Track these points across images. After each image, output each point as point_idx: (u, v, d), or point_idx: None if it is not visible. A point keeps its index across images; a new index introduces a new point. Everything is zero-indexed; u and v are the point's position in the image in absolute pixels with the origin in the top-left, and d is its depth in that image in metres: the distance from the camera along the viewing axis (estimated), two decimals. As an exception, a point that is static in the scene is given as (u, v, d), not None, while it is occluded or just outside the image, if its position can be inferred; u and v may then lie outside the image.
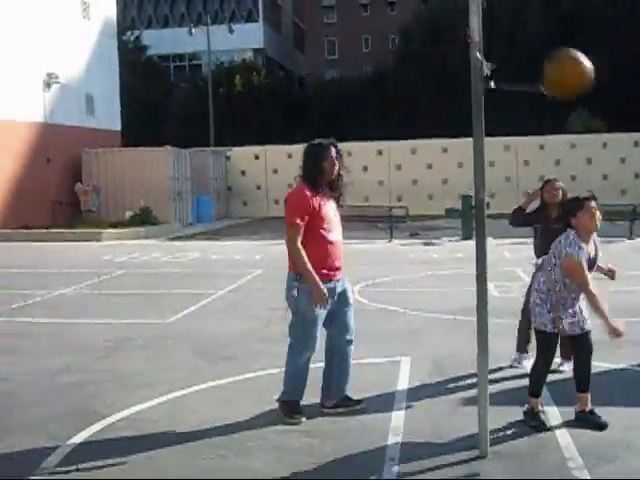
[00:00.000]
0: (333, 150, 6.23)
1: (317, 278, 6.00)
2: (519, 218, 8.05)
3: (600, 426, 5.83)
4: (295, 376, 6.39)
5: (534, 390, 6.13)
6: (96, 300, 12.90)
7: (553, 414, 6.32)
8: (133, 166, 29.33)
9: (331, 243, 6.18)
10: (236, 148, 35.61)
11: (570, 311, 5.93)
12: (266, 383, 7.44)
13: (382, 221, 23.65)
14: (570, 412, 6.21)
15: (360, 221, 24.96)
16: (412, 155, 34.39)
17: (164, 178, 29.18)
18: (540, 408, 6.12)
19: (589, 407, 6.02)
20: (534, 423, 5.96)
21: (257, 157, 34.95)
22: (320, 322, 6.26)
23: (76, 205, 28.58)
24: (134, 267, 17.38)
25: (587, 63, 5.01)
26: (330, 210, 6.23)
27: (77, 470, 5.30)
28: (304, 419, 6.25)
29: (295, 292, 6.14)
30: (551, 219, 7.75)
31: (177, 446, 5.78)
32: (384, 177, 34.24)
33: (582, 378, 6.08)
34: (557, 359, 7.76)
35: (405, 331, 9.85)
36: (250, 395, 7.10)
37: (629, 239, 21.02)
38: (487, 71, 5.20)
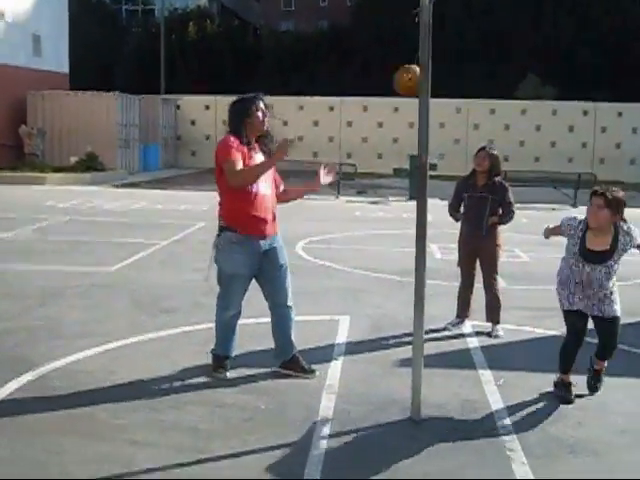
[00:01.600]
0: (260, 104, 6.11)
1: (262, 164, 5.96)
2: (454, 205, 8.11)
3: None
4: (220, 332, 6.36)
5: (560, 367, 6.02)
6: (35, 246, 12.68)
7: (486, 377, 6.41)
8: (80, 110, 28.74)
9: (254, 195, 5.99)
10: (187, 97, 35.16)
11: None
12: (205, 337, 7.38)
13: (330, 178, 23.57)
14: (503, 375, 6.31)
15: (307, 177, 24.92)
16: (363, 113, 34.32)
17: (112, 124, 28.68)
18: (572, 382, 6.00)
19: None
20: (560, 393, 5.92)
21: (207, 107, 34.56)
22: (242, 280, 6.14)
23: (20, 148, 27.96)
24: (77, 213, 17.12)
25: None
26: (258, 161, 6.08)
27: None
28: (227, 374, 6.24)
29: (214, 247, 6.13)
30: (477, 187, 7.82)
31: (111, 398, 5.73)
32: (334, 133, 34.15)
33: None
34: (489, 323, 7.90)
35: (346, 290, 9.87)
36: (188, 348, 7.07)
37: (573, 207, 21.30)
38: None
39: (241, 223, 6.01)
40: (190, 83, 41.45)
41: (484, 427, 5.38)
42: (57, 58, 32.63)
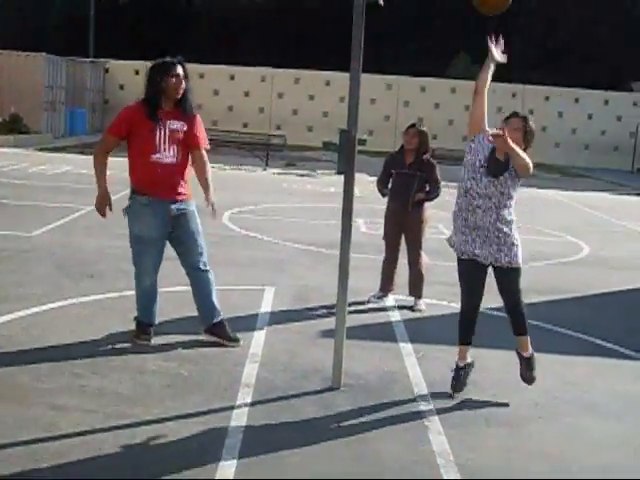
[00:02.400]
0: (179, 68, 6.04)
1: (102, 184, 6.24)
2: (382, 181, 8.20)
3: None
4: (140, 298, 6.38)
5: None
6: (-44, 207, 12.40)
7: (407, 350, 6.55)
8: (4, 71, 28.04)
9: (154, 164, 6.02)
10: (116, 61, 34.56)
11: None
12: (129, 303, 7.32)
13: (259, 149, 23.54)
14: (423, 348, 6.46)
15: (237, 148, 24.81)
16: (295, 85, 34.26)
17: (37, 86, 28.07)
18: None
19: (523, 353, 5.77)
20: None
21: (137, 72, 34.00)
22: (152, 243, 6.16)
23: (-60, 106, 27.19)
24: (-1, 176, 16.76)
25: None
26: (163, 131, 6.01)
27: None
28: (150, 342, 6.26)
29: (125, 211, 6.22)
30: (405, 164, 7.95)
31: (33, 362, 5.69)
32: (265, 104, 34.01)
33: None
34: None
35: (271, 260, 9.93)
36: (112, 315, 7.04)
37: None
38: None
39: (147, 188, 6.06)
40: (119, 47, 40.67)
41: (403, 398, 5.51)
42: (-18, 15, 31.73)
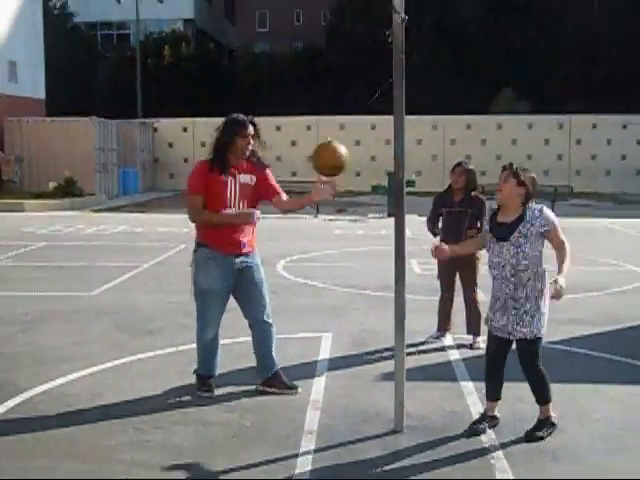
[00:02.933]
0: (250, 128, 6.14)
1: (233, 214, 6.12)
2: (432, 221, 8.23)
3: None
4: (201, 351, 6.42)
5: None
6: (16, 273, 12.68)
7: (468, 389, 6.49)
8: (57, 136, 28.72)
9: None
10: (164, 120, 35.20)
11: None
12: (188, 357, 7.43)
13: (309, 197, 23.67)
14: (484, 386, 6.40)
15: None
16: (341, 131, 34.43)
17: (89, 149, 28.66)
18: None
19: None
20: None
21: (185, 129, 34.62)
22: (217, 296, 6.21)
23: (-3, 175, 27.95)
24: (57, 239, 17.11)
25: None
26: (233, 185, 6.11)
27: None
28: (213, 393, 6.29)
29: (191, 264, 6.28)
30: (454, 202, 7.96)
31: (97, 420, 5.77)
32: (312, 152, 34.24)
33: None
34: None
35: (328, 307, 9.95)
36: (172, 369, 7.12)
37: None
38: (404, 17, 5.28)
39: (216, 241, 6.14)
40: (166, 106, 41.48)
41: (467, 437, 5.46)
42: (33, 84, 32.63)
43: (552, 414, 5.57)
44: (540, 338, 5.48)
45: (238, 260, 6.19)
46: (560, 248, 5.36)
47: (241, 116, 6.22)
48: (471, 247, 6.42)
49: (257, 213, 6.15)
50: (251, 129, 6.15)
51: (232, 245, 6.16)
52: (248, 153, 6.18)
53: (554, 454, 5.15)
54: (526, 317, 5.39)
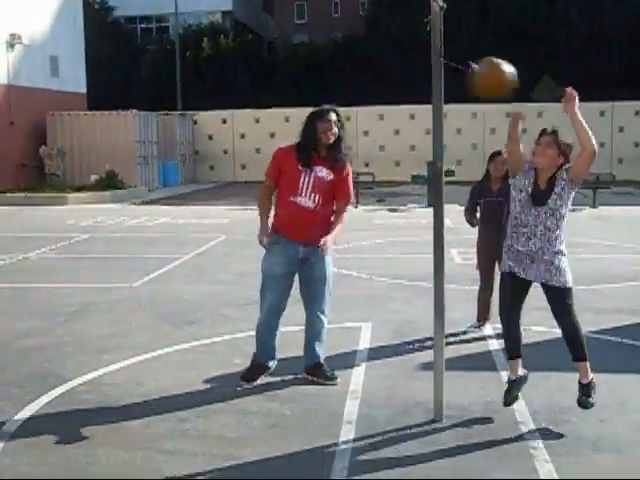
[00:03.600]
0: (332, 115, 6.17)
1: (264, 222, 6.28)
2: (469, 211, 8.16)
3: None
4: (259, 337, 6.47)
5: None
6: (60, 264, 12.86)
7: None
8: (98, 130, 29.05)
9: (293, 205, 6.16)
10: (203, 112, 35.36)
11: None
12: (231, 347, 7.53)
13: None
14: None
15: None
16: (380, 121, 34.39)
17: (130, 142, 28.93)
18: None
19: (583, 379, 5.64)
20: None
21: (224, 121, 34.77)
22: (277, 280, 6.26)
23: (41, 169, 28.28)
24: (99, 231, 17.31)
25: (508, 70, 5.50)
26: (308, 176, 6.13)
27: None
28: (257, 382, 6.33)
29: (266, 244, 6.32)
30: (493, 191, 7.88)
31: (139, 410, 5.85)
32: (352, 143, 34.04)
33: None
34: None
35: (368, 297, 9.96)
36: (214, 359, 7.18)
37: (592, 207, 21.27)
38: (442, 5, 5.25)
39: (282, 226, 6.25)
40: (206, 98, 41.68)
41: (507, 427, 5.44)
42: (74, 78, 32.98)
43: (592, 376, 5.60)
44: (571, 287, 5.57)
45: (302, 250, 6.22)
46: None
47: (324, 105, 6.31)
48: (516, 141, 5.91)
49: (264, 240, 6.24)
50: (333, 115, 6.17)
51: (298, 233, 6.18)
52: (332, 139, 6.16)
53: (595, 445, 5.11)
54: (562, 265, 5.50)
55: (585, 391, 5.58)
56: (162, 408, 5.86)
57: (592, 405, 5.55)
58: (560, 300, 5.55)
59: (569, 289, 5.55)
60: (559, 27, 41.62)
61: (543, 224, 5.46)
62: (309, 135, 6.16)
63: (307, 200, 6.19)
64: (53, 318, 8.93)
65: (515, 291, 5.69)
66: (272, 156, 6.38)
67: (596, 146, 5.27)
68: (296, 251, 6.23)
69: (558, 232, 5.50)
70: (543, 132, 5.58)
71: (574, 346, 5.59)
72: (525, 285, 5.67)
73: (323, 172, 6.19)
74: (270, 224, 6.35)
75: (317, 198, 6.19)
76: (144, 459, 4.94)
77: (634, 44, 40.04)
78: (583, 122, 5.26)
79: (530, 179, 5.55)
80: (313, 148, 6.17)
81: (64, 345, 7.71)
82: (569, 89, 5.32)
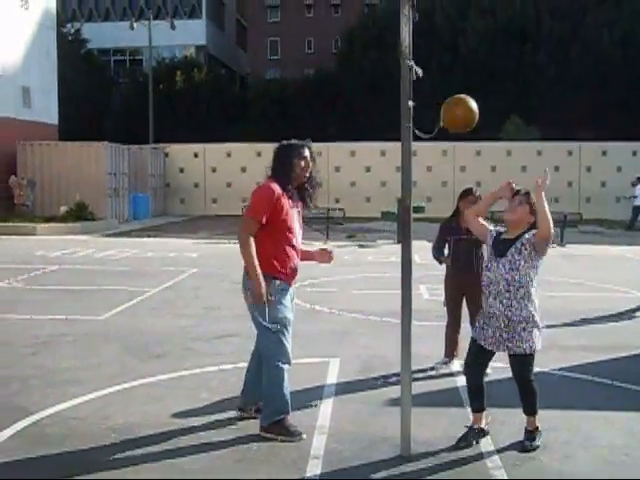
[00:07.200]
0: (307, 151, 6.03)
1: (259, 272, 5.68)
2: (438, 248, 8.23)
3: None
4: (285, 390, 5.97)
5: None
6: (27, 295, 12.76)
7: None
8: (70, 161, 28.98)
9: (293, 247, 5.97)
10: (175, 145, 35.43)
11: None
12: (198, 381, 7.50)
13: (318, 223, 23.76)
14: (491, 412, 6.39)
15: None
16: (351, 157, 34.63)
17: (101, 174, 28.88)
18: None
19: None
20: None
21: (196, 155, 34.83)
22: (288, 330, 5.98)
23: (10, 199, 28.10)
24: (68, 263, 17.20)
25: (473, 105, 5.59)
26: (295, 213, 5.99)
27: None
28: (304, 436, 5.93)
29: (269, 295, 5.81)
30: (462, 229, 7.89)
31: (105, 443, 5.80)
32: (323, 179, 34.26)
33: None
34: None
35: (336, 332, 9.97)
36: (181, 393, 7.15)
37: (560, 246, 21.49)
38: (418, 73, 5.35)
39: (286, 271, 5.92)
40: (178, 132, 41.76)
41: (472, 462, 5.47)
42: (46, 109, 32.93)
43: (538, 425, 5.83)
44: (534, 353, 5.72)
45: (293, 291, 6.13)
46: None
47: (294, 141, 6.09)
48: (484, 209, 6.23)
49: (267, 292, 5.74)
50: (307, 151, 6.02)
51: (294, 275, 6.03)
52: (307, 175, 6.04)
53: (560, 481, 5.16)
54: (524, 333, 5.63)
55: (530, 437, 5.80)
56: (128, 442, 5.82)
57: (534, 449, 5.68)
58: (521, 367, 5.79)
59: (532, 355, 5.74)
60: (528, 68, 42.27)
61: (504, 278, 5.61)
62: (288, 170, 5.91)
63: (299, 238, 6.10)
64: (19, 350, 8.85)
65: (478, 357, 5.91)
66: (268, 193, 5.79)
67: (552, 230, 5.54)
68: (293, 294, 6.13)
69: (523, 291, 5.63)
70: (517, 192, 5.79)
71: (527, 405, 5.85)
72: (489, 353, 5.87)
73: (300, 207, 6.11)
74: (265, 272, 5.76)
75: (301, 234, 6.12)
76: (109, 493, 4.90)
77: (600, 87, 40.72)
78: (546, 208, 5.52)
79: (494, 236, 5.83)
80: (292, 183, 5.96)
81: (29, 378, 7.63)
82: (540, 179, 5.50)
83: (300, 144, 6.05)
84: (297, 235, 6.04)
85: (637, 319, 11.10)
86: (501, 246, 5.72)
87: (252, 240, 5.75)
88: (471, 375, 5.94)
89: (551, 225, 5.47)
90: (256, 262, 5.70)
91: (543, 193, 5.49)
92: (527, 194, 5.73)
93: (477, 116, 5.60)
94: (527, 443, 5.74)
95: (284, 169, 5.93)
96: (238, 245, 5.83)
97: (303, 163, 5.97)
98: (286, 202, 5.87)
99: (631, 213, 28.29)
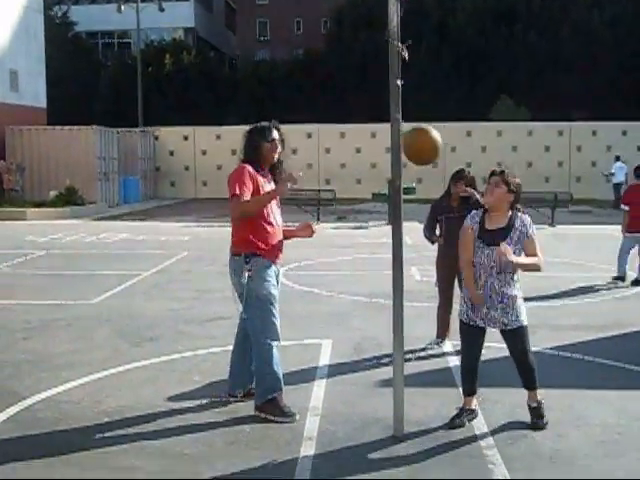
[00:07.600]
0: (275, 132, 6.08)
1: (268, 193, 5.92)
2: (429, 227, 8.23)
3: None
4: (275, 368, 5.98)
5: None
6: (17, 280, 12.72)
7: (467, 395, 6.51)
8: (59, 145, 28.84)
9: (272, 224, 6.04)
10: (165, 128, 35.29)
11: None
12: (190, 364, 7.50)
13: (310, 204, 23.75)
14: (483, 392, 6.41)
15: (287, 204, 25.03)
16: (341, 139, 34.57)
17: (90, 158, 28.76)
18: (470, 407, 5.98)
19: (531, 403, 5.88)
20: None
21: (186, 138, 34.72)
22: (274, 306, 6.02)
23: (-1, 184, 28.00)
24: (58, 247, 17.15)
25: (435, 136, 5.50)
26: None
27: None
28: (298, 416, 5.96)
29: (246, 276, 5.91)
30: (453, 208, 7.95)
31: (97, 427, 5.80)
32: (313, 160, 34.33)
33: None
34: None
35: (328, 314, 9.98)
36: (172, 376, 7.14)
37: (550, 226, 21.54)
38: (405, 55, 5.32)
39: (267, 247, 6.00)
40: (167, 115, 41.56)
41: (465, 442, 5.49)
42: (34, 93, 32.72)
43: (539, 398, 5.85)
44: (526, 325, 5.82)
45: (279, 268, 6.21)
46: (533, 255, 5.73)
47: (264, 123, 6.16)
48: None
49: (286, 188, 5.93)
50: (276, 134, 6.09)
51: (278, 253, 6.13)
52: (277, 156, 6.13)
53: (551, 459, 5.18)
54: (517, 307, 5.76)
55: (536, 413, 5.81)
56: (120, 425, 5.82)
57: (546, 424, 5.74)
58: (521, 339, 5.81)
59: (527, 327, 5.81)
60: (518, 48, 42.19)
61: (497, 264, 5.67)
62: (257, 152, 6.03)
63: (278, 216, 6.17)
64: (11, 335, 8.83)
65: (472, 338, 5.93)
66: (241, 173, 5.90)
67: (541, 263, 5.73)
68: (278, 271, 6.19)
69: (513, 271, 5.76)
70: (492, 173, 5.79)
71: (528, 380, 5.87)
72: (482, 331, 5.89)
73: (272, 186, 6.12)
74: (246, 252, 5.93)
75: (280, 211, 6.19)
76: (102, 477, 4.90)
77: (591, 67, 40.70)
78: (526, 262, 5.69)
79: (475, 225, 5.80)
80: (262, 164, 6.07)
81: (22, 362, 7.61)
82: (497, 251, 5.51)
83: (267, 126, 6.12)
84: (275, 213, 6.12)
85: (629, 298, 11.13)
86: (488, 235, 5.71)
87: (245, 204, 5.83)
88: (467, 358, 5.95)
89: (541, 265, 5.72)
90: (259, 196, 5.88)
91: (515, 258, 5.54)
92: (502, 173, 5.69)
93: (440, 145, 5.53)
94: (539, 422, 5.74)
95: (255, 152, 6.06)
96: (230, 229, 5.91)
97: (271, 145, 6.06)
98: (260, 181, 5.98)
99: (613, 191, 28.32)
